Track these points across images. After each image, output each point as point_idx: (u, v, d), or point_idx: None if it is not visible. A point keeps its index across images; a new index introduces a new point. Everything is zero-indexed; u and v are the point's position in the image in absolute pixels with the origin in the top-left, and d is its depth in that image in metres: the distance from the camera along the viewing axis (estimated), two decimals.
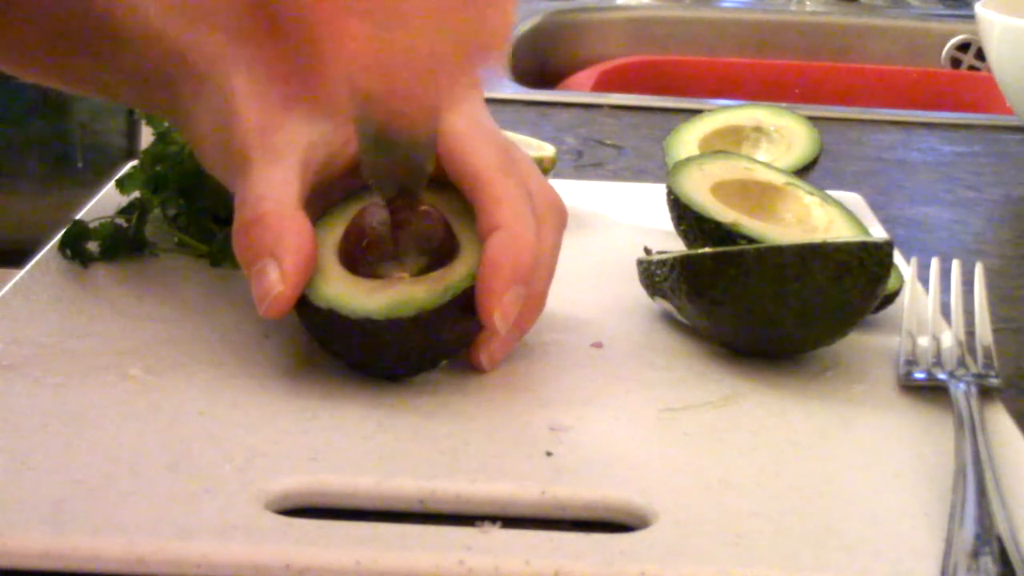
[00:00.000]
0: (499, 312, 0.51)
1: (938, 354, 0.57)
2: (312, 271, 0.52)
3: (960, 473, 0.47)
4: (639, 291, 0.62)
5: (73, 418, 0.49)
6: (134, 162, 0.69)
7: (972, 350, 0.57)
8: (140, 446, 0.47)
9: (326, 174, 0.55)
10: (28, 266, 0.63)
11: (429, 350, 0.52)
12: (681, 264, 0.57)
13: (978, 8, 0.97)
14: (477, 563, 0.41)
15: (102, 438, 0.48)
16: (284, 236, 0.51)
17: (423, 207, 0.53)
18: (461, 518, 0.44)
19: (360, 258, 0.53)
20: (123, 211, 0.67)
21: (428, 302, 0.51)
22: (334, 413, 0.51)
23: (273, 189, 0.52)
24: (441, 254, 0.53)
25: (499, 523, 0.44)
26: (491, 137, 0.56)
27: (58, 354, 0.54)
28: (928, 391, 0.55)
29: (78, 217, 0.66)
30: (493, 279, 0.51)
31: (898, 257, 0.63)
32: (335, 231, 0.54)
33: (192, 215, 0.67)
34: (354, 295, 0.51)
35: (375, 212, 0.53)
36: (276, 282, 0.51)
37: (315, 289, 0.51)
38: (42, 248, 0.65)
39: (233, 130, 0.54)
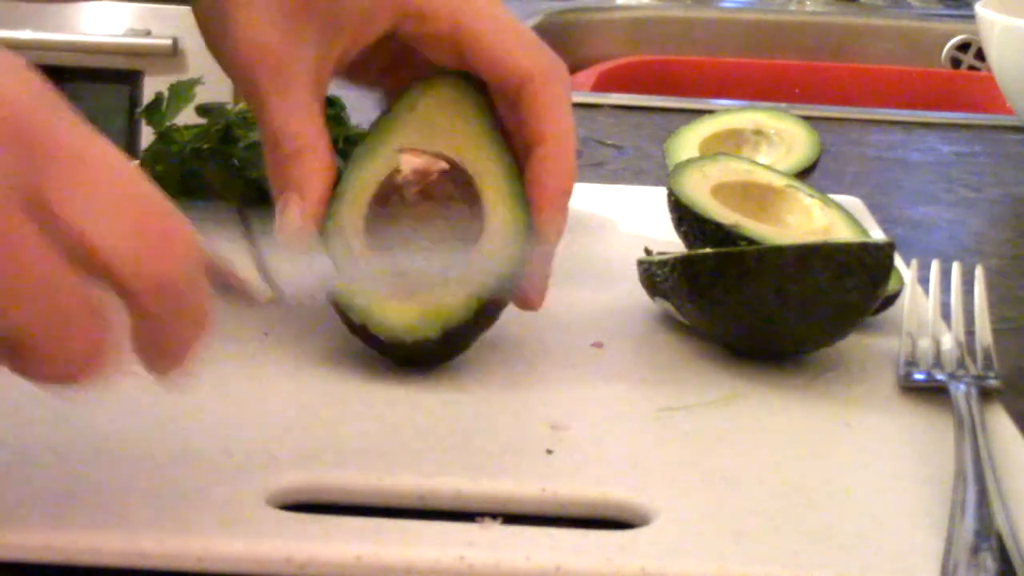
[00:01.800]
0: (554, 230, 0.54)
1: (938, 355, 0.57)
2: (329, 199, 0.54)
3: (960, 473, 0.47)
4: (639, 291, 0.62)
5: (74, 413, 0.49)
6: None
7: (972, 351, 0.57)
8: (141, 441, 0.47)
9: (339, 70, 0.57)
10: None
11: (458, 352, 0.54)
12: (682, 265, 0.57)
13: (978, 8, 0.97)
14: (478, 559, 0.41)
15: (103, 433, 0.48)
16: (310, 176, 0.54)
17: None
18: (462, 515, 0.45)
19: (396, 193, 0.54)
20: None
21: (454, 318, 0.52)
22: (335, 409, 0.51)
23: (295, 120, 0.54)
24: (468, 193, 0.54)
25: (500, 519, 0.44)
26: (518, 33, 0.56)
27: None
28: (928, 392, 0.55)
29: None
30: (542, 199, 0.54)
31: (898, 259, 0.63)
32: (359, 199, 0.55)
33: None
34: (383, 310, 0.52)
35: (393, 185, 0.55)
36: (296, 217, 0.54)
37: (350, 303, 0.53)
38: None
39: (236, 48, 0.55)
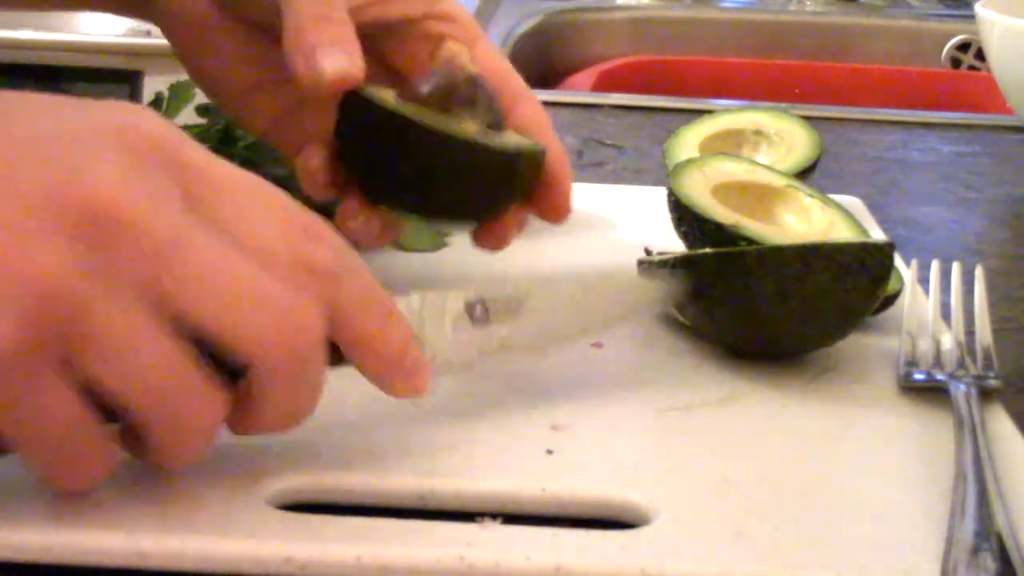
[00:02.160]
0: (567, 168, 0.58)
1: (938, 355, 0.57)
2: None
3: (960, 473, 0.47)
4: None
5: None
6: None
7: (972, 351, 0.57)
8: None
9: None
10: None
11: (503, 191, 0.55)
12: (682, 264, 0.57)
13: (978, 8, 0.97)
14: (477, 559, 0.41)
15: None
16: (346, 39, 0.53)
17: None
18: (462, 515, 0.45)
19: (432, 103, 0.54)
20: None
21: (508, 146, 0.54)
22: (335, 409, 0.51)
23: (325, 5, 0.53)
24: (501, 116, 0.56)
25: (500, 519, 0.44)
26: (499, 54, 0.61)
27: None
28: (928, 392, 0.55)
29: None
30: (555, 143, 0.58)
31: (898, 259, 0.63)
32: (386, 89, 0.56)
33: None
34: (444, 120, 0.53)
35: (442, 70, 0.55)
36: (319, 165, 0.54)
37: (406, 111, 0.53)
38: None
39: None
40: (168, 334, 0.39)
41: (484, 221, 0.56)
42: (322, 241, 0.42)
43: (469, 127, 0.53)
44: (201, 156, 0.41)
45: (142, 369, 0.38)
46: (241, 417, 0.42)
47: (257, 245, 0.40)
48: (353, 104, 0.53)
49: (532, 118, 0.58)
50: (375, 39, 0.58)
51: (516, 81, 0.59)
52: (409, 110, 0.53)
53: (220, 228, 0.40)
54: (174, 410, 0.40)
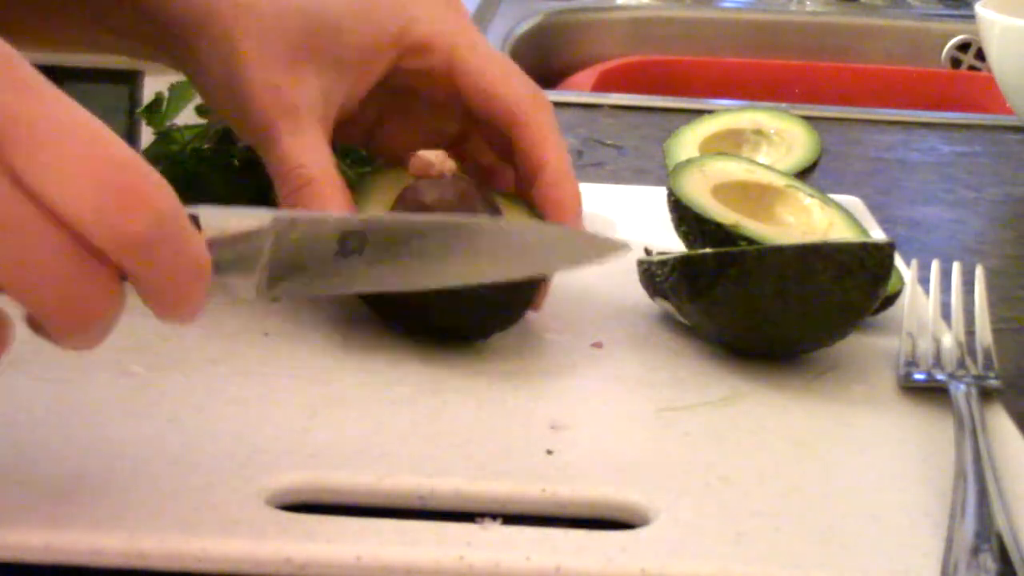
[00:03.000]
0: None
1: (938, 355, 0.57)
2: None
3: (960, 473, 0.47)
4: (639, 291, 0.62)
5: (74, 414, 0.49)
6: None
7: (972, 351, 0.57)
8: (141, 442, 0.47)
9: (342, 117, 0.57)
10: None
11: (518, 302, 0.54)
12: (682, 265, 0.57)
13: (978, 8, 0.97)
14: (477, 559, 0.41)
15: (103, 434, 0.48)
16: (327, 202, 0.53)
17: (462, 176, 0.54)
18: (462, 515, 0.45)
19: None
20: None
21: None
22: (335, 410, 0.51)
23: (308, 155, 0.54)
24: (499, 213, 0.54)
25: (499, 520, 0.44)
26: (505, 66, 0.59)
27: (59, 350, 0.54)
28: (928, 392, 0.55)
29: None
30: (563, 217, 0.56)
31: (898, 259, 0.63)
32: (380, 205, 0.55)
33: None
34: None
35: (426, 187, 0.53)
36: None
37: None
38: None
39: (244, 92, 0.55)
40: None
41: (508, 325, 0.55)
42: (137, 202, 0.38)
43: None
44: (25, 87, 0.37)
45: None
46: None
47: (64, 212, 0.37)
48: None
49: (548, 190, 0.57)
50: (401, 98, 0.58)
51: (507, 98, 0.57)
52: None
53: (26, 183, 0.37)
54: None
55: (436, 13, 0.58)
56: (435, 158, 0.54)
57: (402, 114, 0.61)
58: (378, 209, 0.54)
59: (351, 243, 0.45)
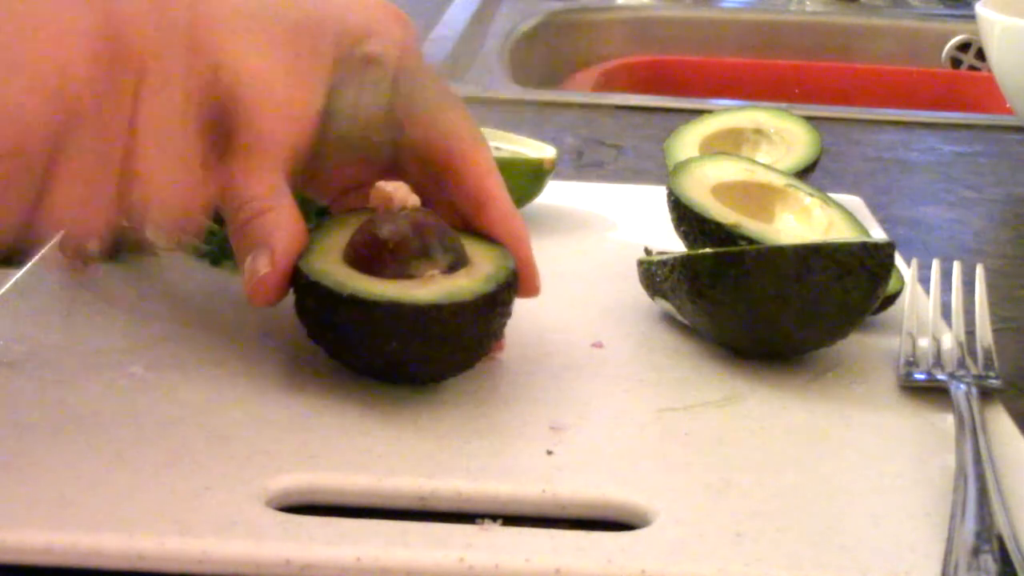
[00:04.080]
0: (537, 277, 0.55)
1: (938, 355, 0.57)
2: (301, 252, 0.52)
3: (960, 473, 0.47)
4: (639, 291, 0.62)
5: (74, 415, 0.49)
6: None
7: (972, 351, 0.57)
8: (140, 443, 0.47)
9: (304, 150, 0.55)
10: (28, 265, 0.63)
11: (483, 339, 0.52)
12: (682, 264, 0.57)
13: (978, 8, 0.97)
14: (477, 560, 0.41)
15: (102, 435, 0.48)
16: (275, 229, 0.51)
17: (422, 207, 0.53)
18: (462, 516, 0.45)
19: (387, 263, 0.51)
20: None
21: (483, 287, 0.50)
22: (334, 411, 0.51)
23: (262, 188, 0.52)
24: (459, 248, 0.53)
25: (500, 521, 0.44)
26: (448, 98, 0.57)
27: (58, 352, 0.54)
28: (928, 392, 0.55)
29: None
30: (522, 250, 0.55)
31: (898, 258, 0.63)
32: (333, 249, 0.53)
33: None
34: (406, 289, 0.50)
35: (382, 220, 0.52)
36: (264, 265, 0.51)
37: (364, 288, 0.50)
38: (42, 247, 0.65)
39: None
40: None
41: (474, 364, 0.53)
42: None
43: (428, 271, 0.51)
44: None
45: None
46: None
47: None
48: (295, 277, 0.52)
49: (500, 223, 0.56)
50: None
51: (443, 124, 0.56)
52: (336, 279, 0.51)
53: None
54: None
55: (389, 32, 0.57)
56: (394, 190, 0.53)
57: (332, 146, 0.59)
58: (336, 243, 0.53)
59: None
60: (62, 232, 0.48)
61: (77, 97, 0.47)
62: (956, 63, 1.49)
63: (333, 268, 0.51)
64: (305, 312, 0.52)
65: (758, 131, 0.79)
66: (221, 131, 0.51)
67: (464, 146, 0.56)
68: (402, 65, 0.56)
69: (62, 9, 0.47)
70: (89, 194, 0.48)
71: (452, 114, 0.56)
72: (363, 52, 0.55)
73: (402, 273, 0.51)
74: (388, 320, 0.49)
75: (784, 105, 0.83)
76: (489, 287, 0.50)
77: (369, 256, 0.51)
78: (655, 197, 0.73)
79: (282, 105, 0.52)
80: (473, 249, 0.53)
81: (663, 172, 0.71)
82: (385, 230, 0.52)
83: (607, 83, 1.35)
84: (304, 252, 0.52)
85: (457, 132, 0.56)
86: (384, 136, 0.57)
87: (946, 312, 0.60)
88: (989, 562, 0.41)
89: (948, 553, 0.42)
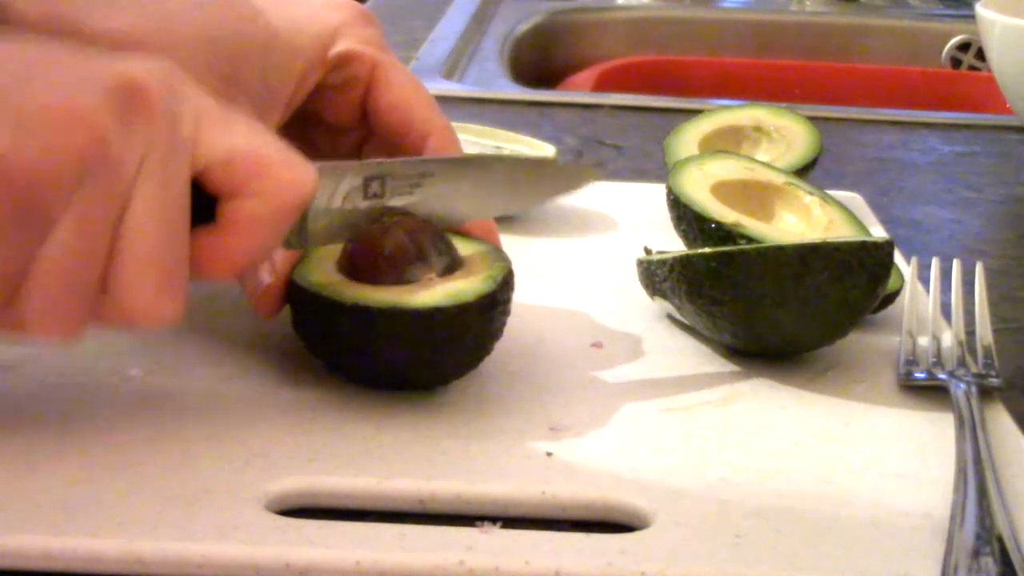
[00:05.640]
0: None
1: (938, 354, 0.57)
2: (296, 261, 0.52)
3: (961, 473, 0.47)
4: (639, 291, 0.62)
5: (73, 418, 0.49)
6: None
7: (972, 350, 0.57)
8: (139, 446, 0.47)
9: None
10: None
11: (485, 339, 0.52)
12: (681, 264, 0.57)
13: (978, 8, 0.97)
14: (477, 563, 0.41)
15: (101, 438, 0.48)
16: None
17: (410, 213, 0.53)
18: (461, 518, 0.45)
19: (385, 270, 0.51)
20: None
21: (483, 287, 0.50)
22: (333, 414, 0.51)
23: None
24: (452, 250, 0.53)
25: (499, 523, 0.44)
26: (423, 89, 0.60)
27: (58, 354, 0.54)
28: (928, 391, 0.55)
29: None
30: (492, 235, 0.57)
31: (898, 257, 0.62)
32: (326, 259, 0.53)
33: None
34: (407, 295, 0.50)
35: (376, 229, 0.52)
36: (268, 276, 0.52)
37: (366, 296, 0.50)
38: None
39: None
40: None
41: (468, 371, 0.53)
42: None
43: (424, 277, 0.51)
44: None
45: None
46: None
47: None
48: (292, 292, 0.52)
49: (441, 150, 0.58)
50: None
51: (422, 112, 0.58)
52: (336, 290, 0.50)
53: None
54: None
55: (360, 31, 0.59)
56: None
57: (300, 140, 0.59)
58: (328, 253, 0.53)
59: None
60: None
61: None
62: (956, 63, 1.49)
63: (330, 279, 0.51)
64: (304, 326, 0.52)
65: (758, 129, 0.79)
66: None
67: (433, 131, 0.58)
68: (378, 57, 0.58)
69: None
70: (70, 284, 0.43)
71: (429, 104, 0.59)
72: (337, 52, 0.58)
73: (400, 279, 0.51)
74: (393, 326, 0.49)
75: (784, 105, 0.82)
76: (489, 287, 0.50)
77: (366, 265, 0.51)
78: (655, 196, 0.73)
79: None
80: (463, 249, 0.53)
81: (663, 172, 0.71)
82: (381, 238, 0.52)
83: (607, 83, 1.35)
84: (296, 265, 0.52)
85: (428, 120, 0.58)
86: (342, 138, 0.61)
87: (946, 311, 0.60)
88: (989, 562, 0.41)
89: (948, 554, 0.42)
